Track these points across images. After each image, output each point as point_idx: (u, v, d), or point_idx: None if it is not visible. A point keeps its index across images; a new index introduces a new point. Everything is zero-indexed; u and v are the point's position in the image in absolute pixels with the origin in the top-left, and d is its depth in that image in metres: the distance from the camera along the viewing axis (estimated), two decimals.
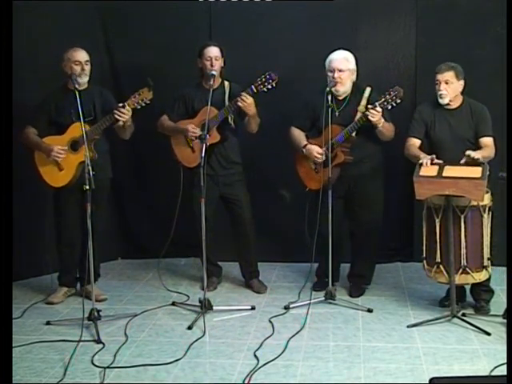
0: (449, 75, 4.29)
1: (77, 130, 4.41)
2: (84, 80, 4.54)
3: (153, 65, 5.39)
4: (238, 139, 4.90)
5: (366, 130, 4.52)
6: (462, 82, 4.34)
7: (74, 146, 4.50)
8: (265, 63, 5.00)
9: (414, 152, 4.38)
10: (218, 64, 4.71)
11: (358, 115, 4.50)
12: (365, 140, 4.59)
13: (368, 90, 4.59)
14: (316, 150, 4.62)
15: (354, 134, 4.52)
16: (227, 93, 4.78)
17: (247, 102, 4.54)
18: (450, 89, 4.31)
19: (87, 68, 4.53)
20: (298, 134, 4.76)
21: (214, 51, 4.71)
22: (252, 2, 5.34)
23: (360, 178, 4.67)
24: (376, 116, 4.39)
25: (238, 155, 4.91)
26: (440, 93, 4.32)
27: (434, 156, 4.24)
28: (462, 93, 4.38)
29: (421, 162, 4.23)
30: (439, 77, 4.31)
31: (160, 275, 5.19)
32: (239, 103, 4.54)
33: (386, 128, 4.50)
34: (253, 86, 4.53)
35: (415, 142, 4.44)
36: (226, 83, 4.82)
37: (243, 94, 4.54)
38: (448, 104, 4.37)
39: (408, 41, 5.30)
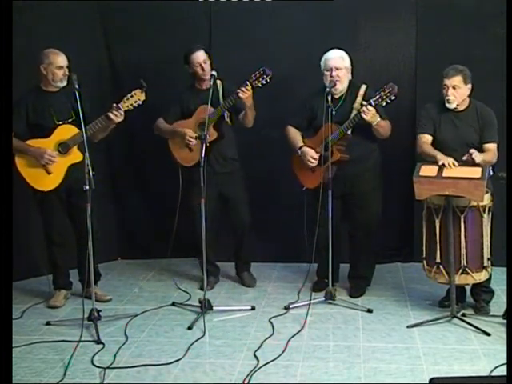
0: (457, 80, 4.22)
1: (65, 132, 4.40)
2: (64, 83, 4.45)
3: (152, 65, 5.39)
4: (235, 136, 4.91)
5: (363, 129, 4.51)
6: (469, 86, 4.27)
7: (62, 148, 4.43)
8: (264, 63, 4.98)
9: (429, 151, 4.29)
10: (207, 66, 4.75)
11: (354, 113, 4.50)
12: (361, 139, 4.57)
13: (363, 87, 4.58)
14: (310, 155, 4.61)
15: (349, 132, 4.52)
16: (221, 91, 4.79)
17: (248, 92, 4.55)
18: (458, 94, 4.25)
19: (67, 72, 4.44)
20: (294, 134, 4.75)
21: (200, 56, 4.75)
22: (252, 1, 5.34)
23: (357, 178, 4.65)
24: (368, 114, 4.37)
25: (235, 152, 4.93)
26: (447, 98, 4.25)
27: (454, 160, 4.15)
28: (470, 96, 4.32)
29: (442, 162, 4.14)
30: (447, 82, 4.23)
31: (172, 276, 5.25)
32: (240, 94, 4.53)
33: (381, 125, 4.48)
34: (247, 82, 4.54)
35: (427, 139, 4.35)
36: (219, 82, 4.80)
37: (241, 88, 4.53)
38: (455, 107, 4.31)
39: (408, 41, 5.29)
